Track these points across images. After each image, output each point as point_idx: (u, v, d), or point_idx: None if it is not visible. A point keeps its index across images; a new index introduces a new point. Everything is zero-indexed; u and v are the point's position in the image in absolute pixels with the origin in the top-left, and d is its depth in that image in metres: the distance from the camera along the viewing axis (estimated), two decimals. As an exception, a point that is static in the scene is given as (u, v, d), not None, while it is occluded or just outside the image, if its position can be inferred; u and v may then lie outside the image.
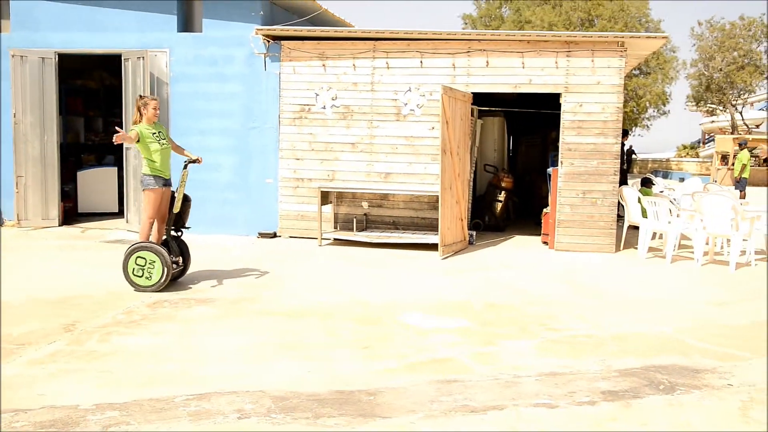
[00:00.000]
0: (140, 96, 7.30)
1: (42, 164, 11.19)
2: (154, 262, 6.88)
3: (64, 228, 11.19)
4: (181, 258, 7.31)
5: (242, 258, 9.02)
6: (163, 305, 6.40)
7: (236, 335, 5.52)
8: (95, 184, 12.52)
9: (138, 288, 6.90)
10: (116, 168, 12.60)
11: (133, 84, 10.73)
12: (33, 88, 11.07)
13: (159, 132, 7.23)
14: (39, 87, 11.08)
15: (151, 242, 7.02)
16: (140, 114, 7.19)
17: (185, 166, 7.34)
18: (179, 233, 7.37)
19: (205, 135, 10.82)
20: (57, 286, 7.09)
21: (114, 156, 13.40)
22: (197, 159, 7.41)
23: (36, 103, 11.10)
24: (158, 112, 7.29)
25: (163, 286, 6.92)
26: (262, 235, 10.76)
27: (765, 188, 27.34)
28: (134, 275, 6.91)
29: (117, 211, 12.40)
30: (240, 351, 5.12)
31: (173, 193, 7.29)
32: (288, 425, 3.81)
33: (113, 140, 6.67)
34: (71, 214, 12.06)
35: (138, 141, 7.01)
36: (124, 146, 10.84)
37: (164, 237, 7.24)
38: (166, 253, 6.93)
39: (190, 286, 7.24)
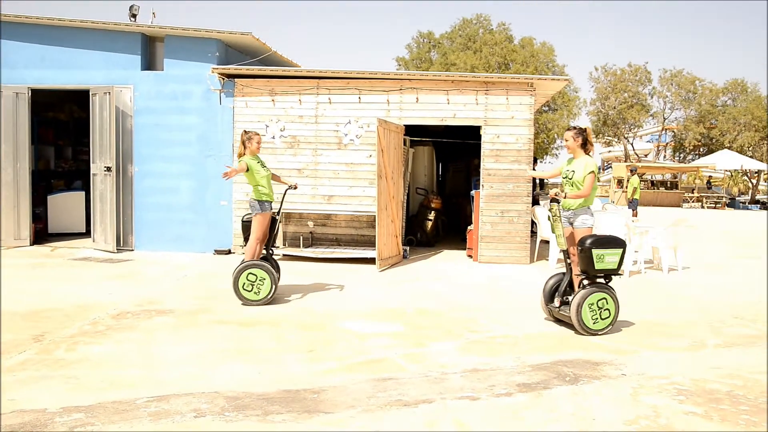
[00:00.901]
0: (245, 131, 7.05)
1: (15, 189, 10.74)
2: (264, 279, 6.78)
3: (35, 247, 10.72)
4: (278, 274, 7.14)
5: (199, 273, 8.82)
6: (126, 316, 6.20)
7: (193, 342, 5.39)
8: (64, 206, 12.08)
9: (247, 302, 6.77)
10: (84, 192, 12.20)
11: (100, 116, 10.44)
12: (7, 120, 10.65)
13: (260, 162, 7.04)
14: (13, 119, 10.66)
15: (261, 261, 6.86)
16: (244, 147, 6.99)
17: (285, 193, 7.36)
18: (271, 252, 7.20)
19: (166, 161, 10.61)
20: (27, 300, 6.77)
21: (81, 181, 12.99)
22: (294, 185, 7.32)
23: (10, 133, 10.69)
24: (260, 145, 7.24)
25: (269, 301, 6.80)
26: (218, 252, 10.57)
27: (653, 207, 28.51)
28: (244, 290, 6.78)
29: (84, 231, 11.98)
30: (196, 356, 5.00)
31: (273, 216, 7.13)
32: (240, 422, 3.73)
33: (224, 176, 6.45)
34: (42, 234, 11.60)
35: (247, 171, 6.84)
36: (94, 173, 10.52)
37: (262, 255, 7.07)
38: (274, 271, 6.85)
39: (151, 299, 7.04)
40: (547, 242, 10.33)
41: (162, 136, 10.61)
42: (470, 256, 10.48)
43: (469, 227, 10.72)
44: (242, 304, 6.81)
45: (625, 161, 38.51)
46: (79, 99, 12.16)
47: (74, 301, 6.82)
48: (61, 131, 13.70)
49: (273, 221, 7.12)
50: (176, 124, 10.59)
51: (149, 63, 10.75)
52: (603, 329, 5.79)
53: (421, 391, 4.28)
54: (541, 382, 4.50)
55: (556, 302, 6.08)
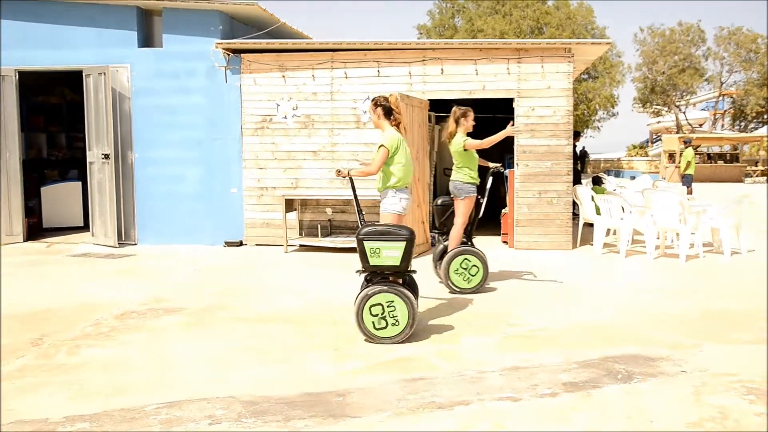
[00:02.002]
0: (458, 107, 7.14)
1: (4, 181, 10.89)
2: (477, 266, 7.04)
3: (29, 243, 10.91)
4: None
5: (210, 267, 8.90)
6: (131, 316, 6.28)
7: (205, 342, 5.44)
8: (59, 198, 12.26)
9: (456, 290, 7.04)
10: (80, 182, 12.36)
11: (95, 99, 10.54)
12: (-7, 105, 10.80)
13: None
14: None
15: (472, 248, 7.14)
16: (457, 125, 7.12)
17: (489, 174, 7.48)
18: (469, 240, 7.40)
19: (169, 147, 10.69)
20: (23, 301, 6.90)
21: (77, 170, 13.16)
22: (498, 167, 7.52)
23: (-4, 120, 10.84)
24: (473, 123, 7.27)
25: (478, 290, 7.06)
26: (229, 244, 10.65)
27: (710, 184, 28.07)
28: (455, 274, 7.05)
29: (82, 224, 12.14)
30: (210, 358, 5.05)
31: (478, 199, 7.30)
32: (259, 429, 3.76)
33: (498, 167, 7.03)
34: (36, 229, 11.78)
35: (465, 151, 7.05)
36: (91, 161, 10.65)
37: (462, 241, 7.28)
38: (486, 258, 7.10)
39: (158, 296, 7.12)
40: (591, 225, 10.23)
41: (164, 119, 10.68)
42: (505, 242, 10.42)
43: (503, 210, 10.65)
44: (449, 292, 7.08)
45: (677, 132, 37.89)
46: (72, 81, 12.27)
47: (74, 301, 6.93)
48: (52, 117, 13.88)
49: (477, 205, 7.30)
50: (179, 106, 10.66)
51: (147, 39, 10.81)
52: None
53: (456, 392, 4.28)
54: (589, 381, 4.46)
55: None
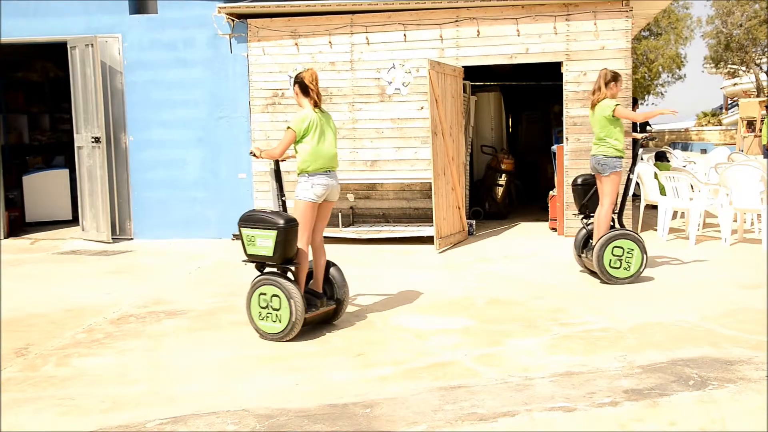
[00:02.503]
0: (607, 69, 7.42)
1: (-18, 170, 11.11)
2: (633, 250, 7.13)
3: (11, 240, 11.11)
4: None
5: (216, 263, 8.99)
6: (128, 320, 6.38)
7: (212, 349, 5.51)
8: (44, 189, 12.42)
9: (613, 280, 7.14)
10: (67, 170, 12.51)
11: (82, 75, 10.68)
12: (-32, 85, 10.99)
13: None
14: (-26, 83, 11.01)
15: (627, 229, 7.41)
16: (603, 89, 7.30)
17: (638, 148, 7.62)
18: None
19: (167, 127, 10.80)
20: (6, 306, 7.03)
21: (64, 156, 13.32)
22: (645, 136, 7.83)
23: (-28, 101, 11.03)
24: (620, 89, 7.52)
25: (636, 278, 7.19)
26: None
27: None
28: (610, 267, 7.14)
29: (71, 218, 12.32)
30: (218, 366, 5.11)
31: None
32: (275, 446, 3.81)
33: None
34: (18, 224, 11.94)
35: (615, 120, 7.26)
36: (79, 145, 10.79)
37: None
38: (641, 239, 7.25)
39: (158, 298, 7.22)
40: (655, 207, 10.12)
41: (161, 96, 10.78)
42: (554, 229, 10.36)
43: (551, 192, 10.58)
44: (600, 282, 7.19)
45: (758, 96, 37.16)
46: (55, 54, 12.42)
47: (63, 304, 7.05)
48: (34, 95, 14.06)
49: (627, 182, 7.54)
50: (178, 81, 10.75)
51: (139, 5, 10.90)
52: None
53: (500, 402, 4.28)
54: (655, 388, 4.42)
55: None
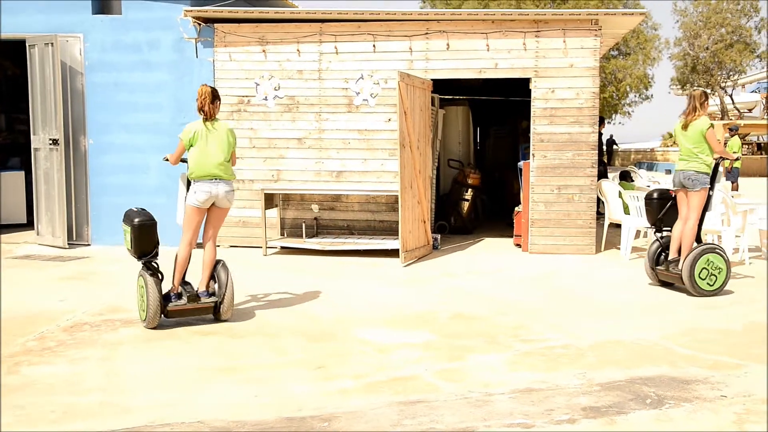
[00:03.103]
0: (697, 89, 7.92)
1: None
2: (721, 267, 7.49)
3: (-36, 244, 10.91)
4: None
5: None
6: (82, 329, 6.31)
7: (169, 359, 5.47)
8: (-2, 191, 12.25)
9: (700, 293, 7.45)
10: (23, 172, 12.35)
11: (41, 74, 10.56)
12: None
13: None
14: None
15: (716, 245, 7.87)
16: (699, 109, 7.61)
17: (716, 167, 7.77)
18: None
19: (129, 131, 10.71)
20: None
21: (20, 158, 13.13)
22: (725, 157, 7.93)
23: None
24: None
25: (719, 293, 7.50)
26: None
27: (760, 179, 28.18)
28: (699, 278, 7.43)
29: (25, 221, 12.15)
30: (174, 377, 5.08)
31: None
32: (230, 459, 3.80)
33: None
34: (-30, 227, 11.75)
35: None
36: (36, 147, 10.66)
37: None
38: (727, 254, 7.66)
39: (114, 305, 7.14)
40: (619, 226, 10.29)
41: (123, 99, 10.69)
42: (519, 245, 10.47)
43: (516, 208, 10.70)
44: (689, 294, 7.47)
45: (722, 119, 38.00)
46: (13, 52, 12.25)
47: (15, 311, 6.94)
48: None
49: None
50: (141, 84, 10.67)
51: (103, 5, 10.81)
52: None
53: (459, 417, 4.32)
54: (613, 405, 4.51)
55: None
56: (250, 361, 5.44)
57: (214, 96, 6.57)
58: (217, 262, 6.83)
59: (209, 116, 6.54)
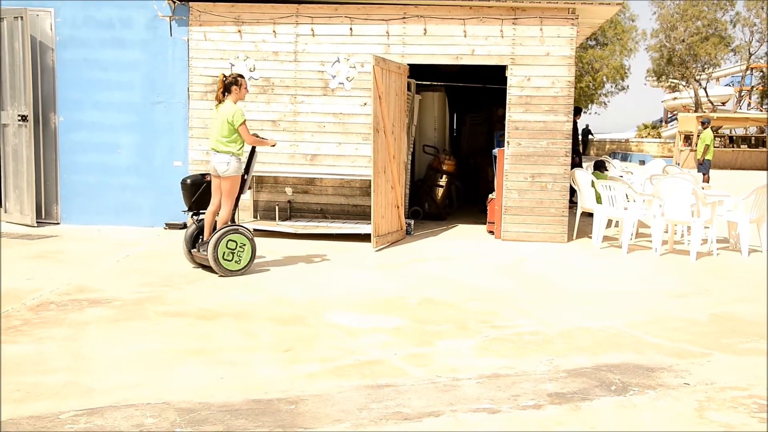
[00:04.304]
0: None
1: None
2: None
3: (-70, 220, 10.74)
4: None
5: (146, 252, 8.86)
6: (48, 308, 6.24)
7: (136, 340, 5.44)
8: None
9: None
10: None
11: (10, 49, 10.39)
12: None
13: None
14: None
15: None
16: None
17: None
18: None
19: (100, 109, 10.59)
20: None
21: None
22: None
23: None
24: None
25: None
26: (170, 226, 10.59)
27: (731, 171, 28.53)
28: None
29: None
30: (140, 358, 5.04)
31: None
32: (195, 440, 3.79)
33: None
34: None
35: None
36: (4, 123, 10.51)
37: None
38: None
39: (82, 285, 7.08)
40: (591, 215, 10.36)
41: (95, 76, 10.56)
42: (491, 232, 10.52)
43: (490, 196, 10.74)
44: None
45: (696, 111, 38.36)
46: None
47: (-17, 288, 6.85)
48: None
49: None
50: (113, 61, 10.54)
51: (76, -20, 10.65)
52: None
53: (426, 402, 4.34)
54: (578, 392, 4.55)
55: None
56: (219, 343, 5.42)
57: (226, 84, 7.69)
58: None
59: (217, 100, 7.77)
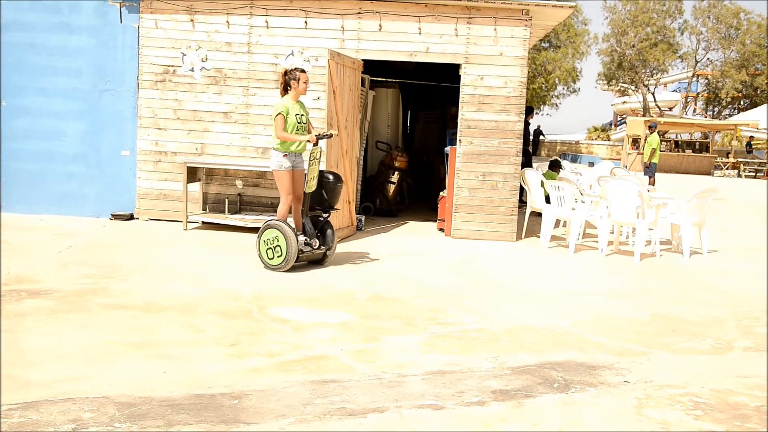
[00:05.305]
0: None
1: None
2: None
3: None
4: None
5: (90, 243, 8.68)
6: (-14, 298, 6.07)
7: (76, 332, 5.31)
8: None
9: None
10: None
11: (-46, 31, 10.07)
12: None
13: None
14: None
15: None
16: None
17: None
18: None
19: (45, 96, 10.35)
20: None
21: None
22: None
23: None
24: None
25: None
26: (116, 217, 10.40)
27: (676, 175, 29.17)
28: None
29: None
30: (80, 351, 4.93)
31: None
32: (134, 435, 3.71)
33: None
34: None
35: None
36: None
37: None
38: None
39: (21, 276, 6.89)
40: (539, 214, 10.48)
41: (39, 62, 10.32)
42: (442, 230, 10.56)
43: (441, 193, 10.78)
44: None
45: (644, 115, 39.14)
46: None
47: None
48: None
49: None
50: (60, 47, 10.30)
51: (24, -37, 10.37)
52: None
53: (371, 398, 4.33)
54: (522, 389, 4.59)
55: None
56: (162, 337, 5.33)
57: (286, 79, 7.75)
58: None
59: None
